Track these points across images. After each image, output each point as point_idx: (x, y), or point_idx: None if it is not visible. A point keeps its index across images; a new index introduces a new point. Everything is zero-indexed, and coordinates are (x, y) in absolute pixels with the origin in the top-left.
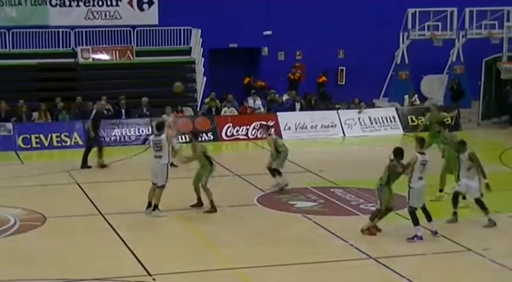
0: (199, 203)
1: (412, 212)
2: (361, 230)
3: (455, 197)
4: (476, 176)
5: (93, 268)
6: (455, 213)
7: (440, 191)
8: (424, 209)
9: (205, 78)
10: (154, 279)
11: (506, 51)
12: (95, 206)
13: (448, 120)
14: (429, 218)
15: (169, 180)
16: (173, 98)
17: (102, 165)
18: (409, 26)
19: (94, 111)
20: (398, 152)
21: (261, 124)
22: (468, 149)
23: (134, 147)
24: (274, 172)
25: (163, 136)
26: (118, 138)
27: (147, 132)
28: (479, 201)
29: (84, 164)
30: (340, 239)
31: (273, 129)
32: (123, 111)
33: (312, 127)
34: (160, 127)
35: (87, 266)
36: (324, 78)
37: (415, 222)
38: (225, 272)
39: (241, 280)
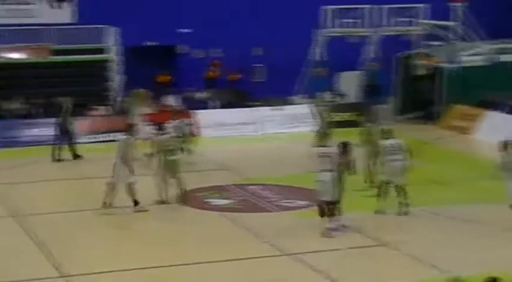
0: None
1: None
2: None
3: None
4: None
5: (9, 270)
6: (401, 203)
7: (366, 182)
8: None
9: (122, 77)
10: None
11: (421, 47)
12: (10, 207)
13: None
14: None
15: (84, 180)
16: (91, 97)
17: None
18: (325, 23)
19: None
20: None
21: None
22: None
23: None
24: None
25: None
26: (35, 138)
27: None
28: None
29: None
30: (257, 236)
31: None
32: (40, 110)
33: (230, 125)
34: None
35: (3, 268)
36: (238, 76)
37: (325, 215)
38: (142, 271)
39: (156, 279)
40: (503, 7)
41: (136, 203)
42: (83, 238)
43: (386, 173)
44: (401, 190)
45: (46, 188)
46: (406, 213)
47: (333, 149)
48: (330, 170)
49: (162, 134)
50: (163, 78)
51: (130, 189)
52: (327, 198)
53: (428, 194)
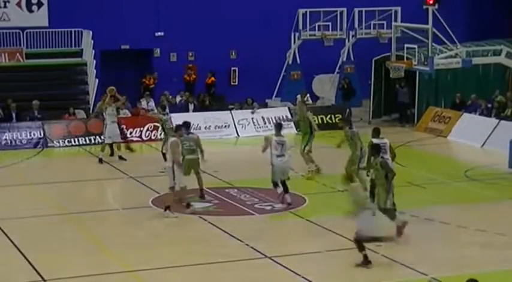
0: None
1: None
2: None
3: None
4: None
5: None
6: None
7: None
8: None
9: (97, 81)
10: None
11: (395, 50)
12: None
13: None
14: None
15: (67, 183)
16: (65, 101)
17: None
18: (300, 26)
19: None
20: None
21: None
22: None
23: (26, 151)
24: None
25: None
26: (9, 142)
27: (39, 136)
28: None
29: None
30: (236, 239)
31: None
32: (13, 114)
33: (205, 128)
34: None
35: None
36: (212, 78)
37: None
38: (122, 275)
39: None
40: (476, 9)
41: (188, 205)
42: (60, 242)
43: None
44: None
45: (20, 192)
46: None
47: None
48: (283, 155)
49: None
50: (147, 81)
51: (183, 192)
52: (283, 177)
53: (405, 196)
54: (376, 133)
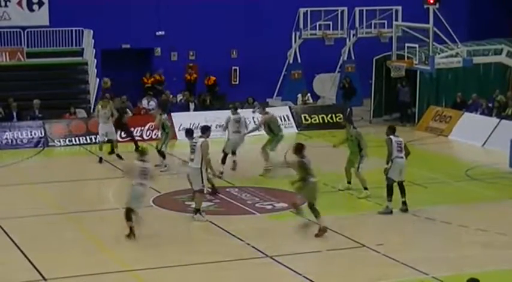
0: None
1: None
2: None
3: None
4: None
5: None
6: (404, 203)
7: (349, 182)
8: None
9: (98, 80)
10: None
11: (396, 49)
12: None
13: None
14: None
15: (68, 183)
16: (65, 100)
17: None
18: (301, 26)
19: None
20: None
21: None
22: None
23: (27, 150)
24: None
25: (200, 139)
26: (10, 141)
27: (40, 135)
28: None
29: None
30: (236, 238)
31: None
32: (14, 113)
33: None
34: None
35: None
36: (212, 78)
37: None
38: (122, 274)
39: None
40: (476, 8)
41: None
42: (60, 241)
43: (393, 171)
44: (402, 187)
45: (21, 192)
46: (406, 211)
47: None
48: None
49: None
50: (149, 80)
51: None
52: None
53: (407, 196)
54: (391, 131)
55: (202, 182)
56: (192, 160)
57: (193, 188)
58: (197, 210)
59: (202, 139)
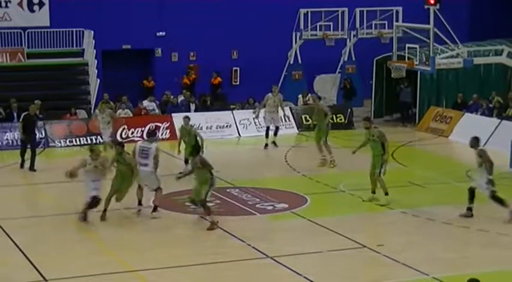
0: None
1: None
2: None
3: (472, 192)
4: (485, 173)
5: None
6: (469, 209)
7: (373, 192)
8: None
9: (98, 80)
10: None
11: (396, 50)
12: None
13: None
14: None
15: (69, 184)
16: (66, 101)
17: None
18: (302, 26)
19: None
20: None
21: None
22: (480, 146)
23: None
24: None
25: (153, 144)
26: (10, 141)
27: (40, 136)
28: (494, 198)
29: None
30: (237, 239)
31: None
32: (15, 114)
33: (207, 128)
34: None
35: None
36: (219, 78)
37: None
38: (123, 275)
39: None
40: (477, 9)
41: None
42: (61, 242)
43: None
44: (494, 199)
45: (22, 192)
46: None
47: None
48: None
49: None
50: (147, 83)
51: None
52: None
53: (407, 196)
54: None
55: (158, 181)
56: (146, 165)
57: (152, 188)
58: (155, 208)
59: (155, 144)
